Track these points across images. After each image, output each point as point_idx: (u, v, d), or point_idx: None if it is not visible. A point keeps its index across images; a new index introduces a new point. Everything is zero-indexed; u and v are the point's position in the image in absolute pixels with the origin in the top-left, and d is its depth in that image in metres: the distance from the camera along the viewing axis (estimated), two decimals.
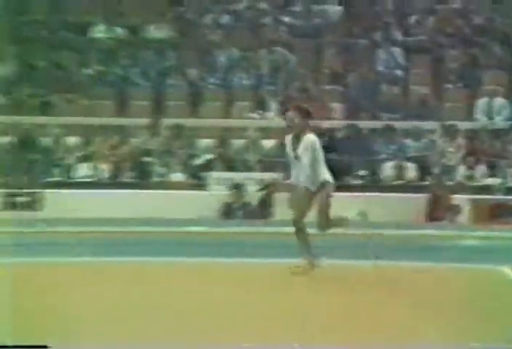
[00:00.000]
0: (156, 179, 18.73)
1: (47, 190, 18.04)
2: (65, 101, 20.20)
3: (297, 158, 9.32)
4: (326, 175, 9.39)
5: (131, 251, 11.64)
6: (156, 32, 21.89)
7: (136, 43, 21.71)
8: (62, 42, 21.42)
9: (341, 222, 9.89)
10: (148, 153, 19.09)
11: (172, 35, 21.85)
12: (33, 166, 18.99)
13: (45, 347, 5.84)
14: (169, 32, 21.88)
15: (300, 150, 9.28)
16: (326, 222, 9.51)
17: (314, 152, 9.27)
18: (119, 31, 21.88)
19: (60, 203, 17.51)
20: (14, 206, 17.97)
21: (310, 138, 9.31)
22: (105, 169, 18.98)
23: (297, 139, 9.34)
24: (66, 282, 8.98)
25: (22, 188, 18.15)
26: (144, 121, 19.50)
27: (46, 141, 19.45)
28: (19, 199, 18.09)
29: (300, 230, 9.60)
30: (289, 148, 9.41)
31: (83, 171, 18.96)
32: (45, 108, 20.08)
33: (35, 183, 18.38)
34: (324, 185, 9.39)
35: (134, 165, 19.01)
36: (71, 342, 6.12)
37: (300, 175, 9.42)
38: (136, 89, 20.72)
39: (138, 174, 18.86)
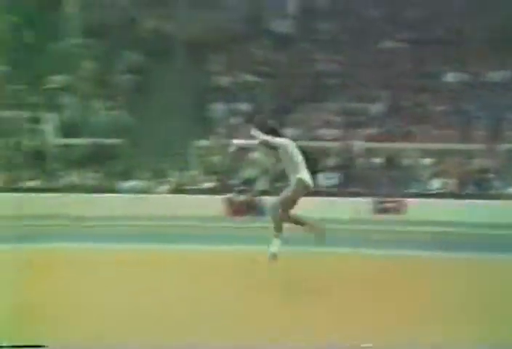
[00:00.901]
0: (493, 191, 21.26)
1: (409, 199, 21.04)
2: (420, 131, 23.70)
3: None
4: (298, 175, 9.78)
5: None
6: (495, 76, 24.93)
7: (478, 85, 24.81)
8: (422, 86, 24.97)
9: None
10: (486, 170, 21.84)
11: (509, 79, 24.71)
12: (397, 180, 22.20)
13: (43, 346, 5.57)
14: (507, 76, 24.76)
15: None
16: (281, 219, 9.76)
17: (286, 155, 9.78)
18: (465, 76, 25.30)
19: (419, 209, 20.48)
20: (383, 210, 21.24)
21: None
22: (452, 183, 21.85)
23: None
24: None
25: (388, 197, 21.35)
26: (482, 146, 22.50)
27: (407, 161, 22.84)
28: (387, 205, 21.28)
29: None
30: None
31: (436, 184, 21.94)
32: (406, 136, 23.77)
33: (399, 193, 21.49)
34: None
35: (475, 180, 21.75)
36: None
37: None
38: (477, 121, 23.60)
39: (478, 187, 21.53)
